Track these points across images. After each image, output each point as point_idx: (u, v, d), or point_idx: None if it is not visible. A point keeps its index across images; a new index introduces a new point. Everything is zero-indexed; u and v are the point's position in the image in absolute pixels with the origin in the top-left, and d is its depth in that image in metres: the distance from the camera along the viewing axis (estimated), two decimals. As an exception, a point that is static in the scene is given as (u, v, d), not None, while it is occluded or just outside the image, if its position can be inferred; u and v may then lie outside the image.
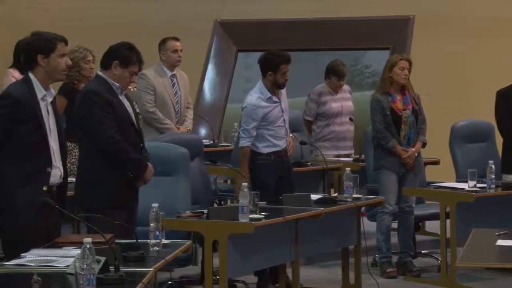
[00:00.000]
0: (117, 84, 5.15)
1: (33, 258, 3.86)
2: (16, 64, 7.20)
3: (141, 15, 9.70)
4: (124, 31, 8.47)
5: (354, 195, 6.15)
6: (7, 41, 7.44)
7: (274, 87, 6.64)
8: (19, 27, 7.99)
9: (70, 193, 5.01)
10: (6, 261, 4.00)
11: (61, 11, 9.64)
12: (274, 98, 6.66)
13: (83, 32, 8.78)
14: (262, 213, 5.39)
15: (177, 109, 7.55)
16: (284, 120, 6.70)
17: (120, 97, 5.18)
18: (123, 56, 5.14)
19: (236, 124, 8.91)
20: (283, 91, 6.75)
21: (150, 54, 7.71)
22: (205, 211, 5.39)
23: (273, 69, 6.58)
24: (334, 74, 8.23)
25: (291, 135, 6.85)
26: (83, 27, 9.33)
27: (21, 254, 3.94)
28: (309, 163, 7.73)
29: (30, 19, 9.13)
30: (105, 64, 5.18)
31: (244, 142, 6.64)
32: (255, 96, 6.65)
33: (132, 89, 7.43)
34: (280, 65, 6.57)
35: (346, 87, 8.41)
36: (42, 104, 4.69)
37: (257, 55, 6.97)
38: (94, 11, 9.70)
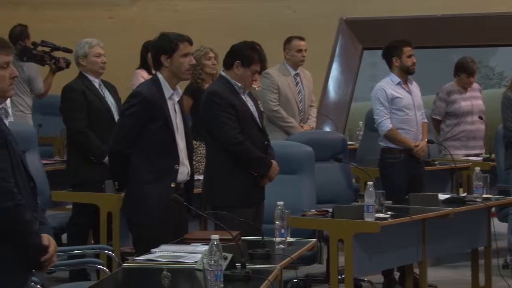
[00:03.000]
0: (239, 84, 5.18)
1: (163, 253, 3.94)
2: (143, 65, 7.37)
3: (267, 14, 9.74)
4: (250, 31, 8.52)
5: (484, 195, 6.01)
6: (138, 42, 7.62)
7: (403, 74, 6.55)
8: (148, 28, 8.17)
9: (196, 190, 5.09)
10: (136, 256, 4.09)
11: (190, 12, 9.80)
12: (404, 87, 6.58)
13: (211, 33, 8.90)
14: (388, 213, 5.32)
15: (300, 108, 7.55)
16: (415, 114, 6.57)
17: (243, 97, 5.21)
18: (245, 55, 5.16)
19: (361, 122, 8.84)
20: (415, 89, 6.65)
21: (275, 53, 7.76)
22: (330, 209, 5.36)
23: (397, 54, 6.51)
24: (464, 71, 8.05)
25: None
26: (212, 28, 9.45)
27: (151, 250, 4.02)
28: (436, 162, 7.59)
29: (160, 20, 9.32)
30: (228, 64, 5.22)
31: (383, 125, 6.53)
32: (384, 81, 6.61)
33: (256, 88, 7.47)
34: (403, 48, 6.51)
35: (475, 85, 8.21)
36: (169, 103, 4.78)
37: (382, 53, 6.89)
38: (221, 11, 9.81)
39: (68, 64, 7.65)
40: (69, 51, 7.58)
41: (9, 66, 3.41)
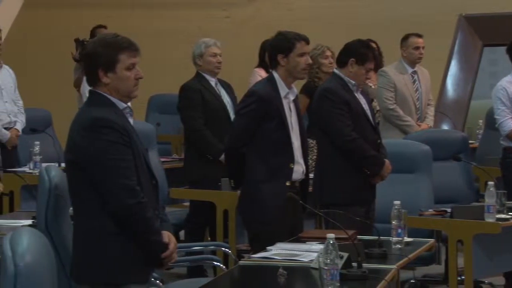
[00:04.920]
0: (353, 82, 5.14)
1: (278, 251, 3.94)
2: (261, 64, 7.41)
3: (385, 12, 9.63)
4: (367, 29, 8.44)
5: None
6: (254, 41, 7.66)
7: None
8: (264, 27, 8.20)
9: (312, 189, 5.08)
10: (252, 254, 4.11)
11: (305, 10, 9.79)
12: None
13: (328, 31, 8.87)
14: (510, 213, 5.16)
15: (417, 106, 7.44)
16: None
17: (356, 94, 5.17)
18: (360, 53, 5.11)
19: (480, 121, 8.63)
20: None
21: (392, 51, 7.66)
22: (449, 209, 5.25)
23: None
24: None
25: None
26: (328, 26, 9.41)
27: (267, 248, 4.03)
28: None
29: (275, 19, 9.35)
30: (341, 61, 5.18)
31: (505, 125, 6.32)
32: (505, 79, 6.42)
33: (372, 86, 7.40)
34: None
35: None
36: (285, 102, 4.79)
37: (504, 49, 6.70)
38: (337, 9, 9.76)
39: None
40: None
41: (135, 68, 3.48)
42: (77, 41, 8.24)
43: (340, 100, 5.07)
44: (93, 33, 8.46)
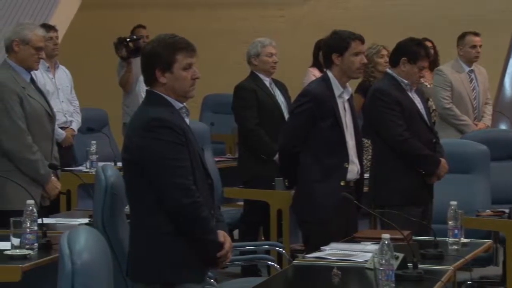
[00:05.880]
0: (406, 81, 5.09)
1: (333, 251, 3.92)
2: (315, 63, 7.39)
3: (440, 10, 9.53)
4: (424, 27, 8.36)
5: None
6: (308, 41, 7.64)
7: None
8: (319, 26, 8.18)
9: (366, 188, 5.05)
10: (306, 254, 4.10)
11: (362, 9, 9.73)
12: None
13: (384, 30, 8.80)
14: None
15: (474, 105, 7.35)
16: None
17: (410, 94, 5.12)
18: (412, 52, 5.07)
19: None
20: None
21: (449, 49, 7.57)
22: (507, 210, 5.17)
23: None
24: None
25: None
26: (384, 25, 9.34)
27: (321, 248, 4.01)
28: None
29: (330, 18, 9.32)
30: (394, 61, 5.14)
31: None
32: None
33: (428, 86, 7.34)
34: None
35: None
36: (339, 102, 4.77)
37: None
38: (394, 8, 9.68)
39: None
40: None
41: (192, 68, 3.50)
42: (120, 39, 8.32)
43: (391, 100, 5.03)
44: (132, 33, 8.55)
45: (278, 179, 5.56)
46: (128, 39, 8.13)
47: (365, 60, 4.83)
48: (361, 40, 4.78)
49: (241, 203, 6.68)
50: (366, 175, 5.12)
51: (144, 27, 8.70)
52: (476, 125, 7.29)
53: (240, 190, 6.32)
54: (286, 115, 6.15)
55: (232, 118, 6.64)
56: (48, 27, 6.81)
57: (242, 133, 6.42)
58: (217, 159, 6.99)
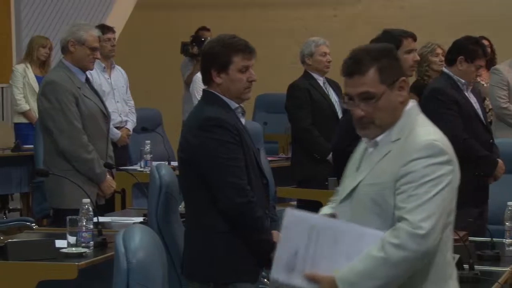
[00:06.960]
0: (463, 80, 5.03)
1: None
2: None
3: (497, 8, 9.41)
4: (481, 25, 8.26)
5: None
6: (362, 40, 7.58)
7: None
8: (373, 25, 8.12)
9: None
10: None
11: (417, 8, 9.65)
12: None
13: (440, 28, 8.72)
14: None
15: (532, 105, 7.23)
16: None
17: (466, 93, 5.06)
18: (469, 50, 5.00)
19: None
20: None
21: (507, 47, 7.47)
22: None
23: None
24: None
25: None
26: (440, 23, 9.26)
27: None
28: None
29: (385, 17, 9.26)
30: (450, 59, 5.08)
31: None
32: None
33: (484, 85, 7.24)
34: None
35: None
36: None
37: None
38: (450, 6, 9.58)
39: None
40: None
41: (248, 70, 3.50)
42: (195, 37, 8.39)
43: (449, 100, 4.98)
44: (196, 36, 8.59)
45: (332, 179, 5.54)
46: (202, 39, 8.19)
47: (417, 58, 4.78)
48: (413, 38, 4.72)
49: (294, 202, 6.67)
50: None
51: (208, 29, 8.73)
52: (533, 124, 7.17)
53: (293, 189, 6.31)
54: (340, 115, 6.12)
55: (285, 118, 6.64)
56: (106, 28, 6.88)
57: (296, 133, 6.41)
58: (270, 158, 6.99)
